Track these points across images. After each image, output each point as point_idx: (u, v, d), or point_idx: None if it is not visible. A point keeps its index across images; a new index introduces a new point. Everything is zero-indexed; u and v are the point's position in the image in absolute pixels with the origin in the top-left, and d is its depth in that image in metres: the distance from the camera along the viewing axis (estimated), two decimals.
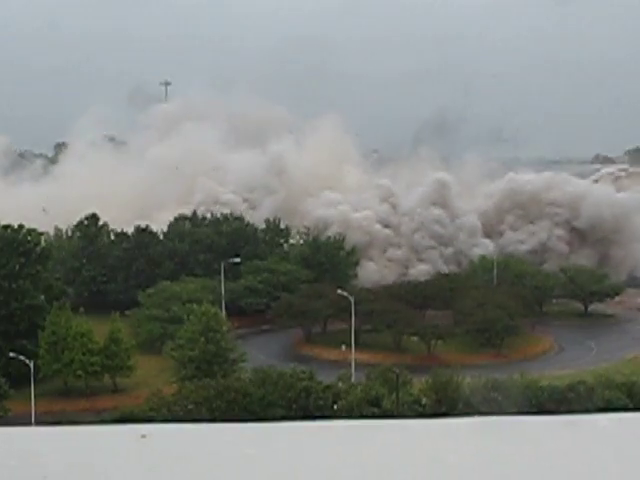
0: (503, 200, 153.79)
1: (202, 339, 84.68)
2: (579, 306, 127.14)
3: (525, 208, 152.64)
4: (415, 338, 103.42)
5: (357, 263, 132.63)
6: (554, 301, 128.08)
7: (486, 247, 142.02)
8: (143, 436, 6.21)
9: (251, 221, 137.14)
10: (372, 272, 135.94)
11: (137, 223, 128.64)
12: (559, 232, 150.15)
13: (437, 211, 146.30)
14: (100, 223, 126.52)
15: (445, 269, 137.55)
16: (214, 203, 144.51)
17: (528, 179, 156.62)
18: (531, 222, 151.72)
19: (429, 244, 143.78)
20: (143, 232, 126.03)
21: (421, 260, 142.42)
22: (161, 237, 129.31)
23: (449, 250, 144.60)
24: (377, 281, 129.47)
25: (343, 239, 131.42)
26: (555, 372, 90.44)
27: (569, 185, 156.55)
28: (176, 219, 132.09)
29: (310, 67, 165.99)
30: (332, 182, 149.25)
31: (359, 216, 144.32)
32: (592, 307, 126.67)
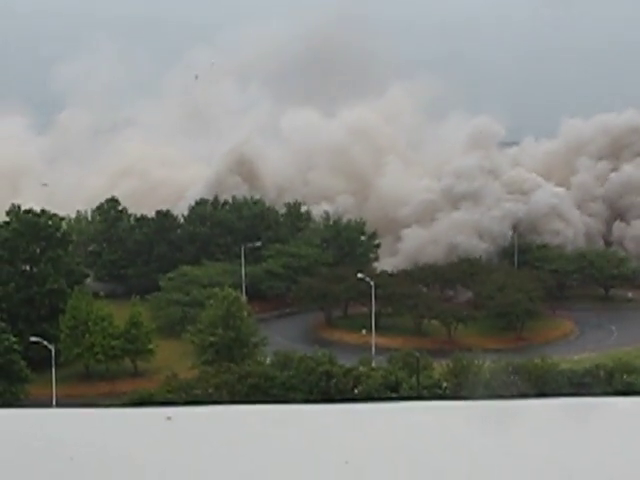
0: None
1: (222, 324, 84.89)
2: (600, 290, 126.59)
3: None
4: (436, 322, 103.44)
5: (378, 246, 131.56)
6: (574, 285, 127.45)
7: (550, 190, 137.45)
8: (168, 418, 6.32)
9: (304, 183, 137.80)
10: (414, 242, 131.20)
11: None
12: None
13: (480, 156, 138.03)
14: (120, 207, 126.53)
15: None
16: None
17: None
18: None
19: (467, 194, 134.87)
20: (164, 216, 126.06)
21: (456, 209, 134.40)
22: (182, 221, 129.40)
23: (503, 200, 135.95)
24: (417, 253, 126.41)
25: (364, 223, 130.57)
26: (576, 356, 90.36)
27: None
28: (197, 203, 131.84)
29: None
30: (390, 150, 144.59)
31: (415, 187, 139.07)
32: (612, 291, 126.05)
